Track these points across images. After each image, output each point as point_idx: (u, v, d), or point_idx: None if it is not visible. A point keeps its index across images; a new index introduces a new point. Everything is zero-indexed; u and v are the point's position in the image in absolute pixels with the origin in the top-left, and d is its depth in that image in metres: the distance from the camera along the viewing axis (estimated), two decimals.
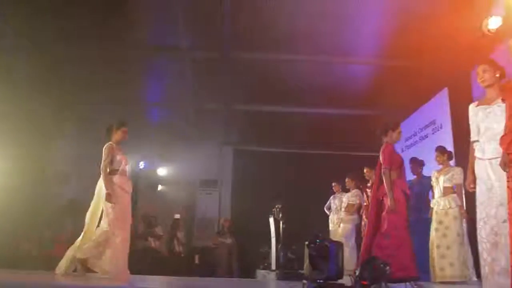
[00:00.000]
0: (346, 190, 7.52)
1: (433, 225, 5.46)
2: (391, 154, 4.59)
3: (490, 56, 5.07)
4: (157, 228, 9.59)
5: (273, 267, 7.64)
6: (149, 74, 8.51)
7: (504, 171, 2.84)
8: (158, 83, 8.84)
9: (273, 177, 9.92)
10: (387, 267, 3.33)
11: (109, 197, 4.70)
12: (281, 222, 7.57)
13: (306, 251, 3.57)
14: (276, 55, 7.56)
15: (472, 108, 3.53)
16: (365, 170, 6.90)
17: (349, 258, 6.94)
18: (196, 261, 9.69)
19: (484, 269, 3.14)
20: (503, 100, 3.04)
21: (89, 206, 4.85)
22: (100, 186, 4.86)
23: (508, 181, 2.76)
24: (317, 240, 3.42)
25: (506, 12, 5.55)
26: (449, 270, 5.22)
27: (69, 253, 4.74)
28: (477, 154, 3.34)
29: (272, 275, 7.28)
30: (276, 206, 7.71)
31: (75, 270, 4.72)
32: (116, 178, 4.86)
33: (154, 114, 10.37)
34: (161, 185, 11.10)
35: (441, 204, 5.46)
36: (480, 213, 3.22)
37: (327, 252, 3.40)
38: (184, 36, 7.14)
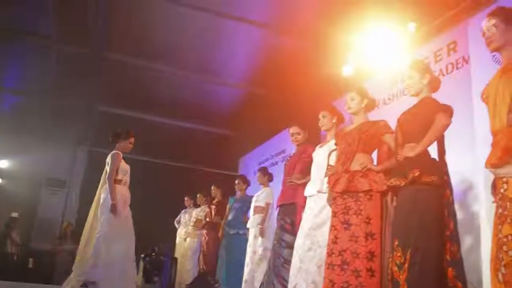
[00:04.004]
0: (197, 206, 7.68)
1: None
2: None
3: (339, 101, 5.65)
4: None
5: None
6: (7, 56, 7.81)
7: (330, 206, 3.22)
8: (15, 69, 8.15)
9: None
10: (217, 285, 3.51)
11: (114, 208, 4.44)
12: None
13: (141, 263, 3.61)
14: (148, 64, 7.52)
15: (315, 149, 3.98)
16: (212, 188, 7.09)
17: (192, 272, 7.09)
18: (30, 265, 8.98)
19: None
20: (336, 144, 3.44)
21: None
22: (101, 196, 4.61)
23: (333, 217, 3.12)
24: (153, 254, 3.47)
25: (356, 65, 6.23)
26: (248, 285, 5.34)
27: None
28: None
29: None
30: None
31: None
32: (119, 189, 4.63)
33: (4, 100, 9.48)
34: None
35: (250, 222, 5.66)
36: (295, 243, 3.62)
37: (161, 266, 3.46)
38: (54, 25, 6.73)
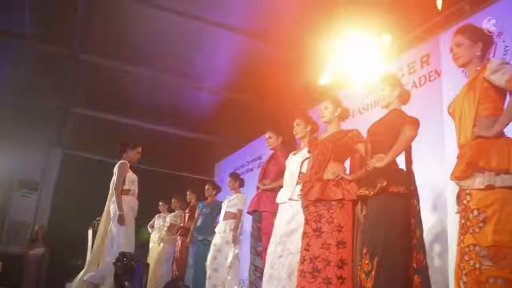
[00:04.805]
0: (171, 210, 7.64)
1: (211, 247, 5.61)
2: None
3: (316, 109, 5.72)
4: None
5: None
6: None
7: (303, 213, 3.27)
8: None
9: (103, 187, 9.52)
10: None
11: (121, 219, 4.45)
12: None
13: (113, 269, 3.59)
14: (126, 66, 7.46)
15: (289, 156, 4.03)
16: (188, 193, 7.07)
17: (165, 278, 7.04)
18: None
19: None
20: (309, 152, 3.50)
21: None
22: (110, 207, 4.64)
23: (305, 224, 3.16)
24: (124, 259, 3.46)
25: (333, 74, 6.32)
26: None
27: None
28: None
29: None
30: (98, 219, 7.43)
31: None
32: (127, 199, 4.64)
33: None
34: None
35: (219, 227, 5.63)
36: (268, 249, 3.65)
37: (132, 271, 3.45)
38: (30, 24, 6.62)
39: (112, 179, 4.89)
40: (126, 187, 4.81)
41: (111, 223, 4.68)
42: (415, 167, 2.86)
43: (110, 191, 4.89)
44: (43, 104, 8.64)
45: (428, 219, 3.97)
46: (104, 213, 4.89)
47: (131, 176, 4.90)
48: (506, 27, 3.97)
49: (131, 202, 4.82)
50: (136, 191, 4.96)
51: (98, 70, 7.55)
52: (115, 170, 4.84)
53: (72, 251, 8.13)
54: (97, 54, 7.19)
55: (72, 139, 9.95)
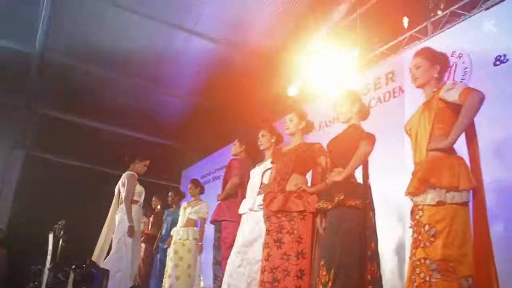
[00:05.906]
0: None
1: (169, 254, 5.47)
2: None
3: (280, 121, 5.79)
4: None
5: (43, 287, 7.15)
6: None
7: (265, 224, 3.30)
8: None
9: (66, 191, 9.34)
10: None
11: (131, 230, 4.50)
12: (61, 240, 7.15)
13: (72, 275, 3.55)
14: (94, 69, 7.40)
15: (255, 167, 4.07)
16: (153, 199, 6.97)
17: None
18: None
19: None
20: (272, 163, 3.55)
21: None
22: (116, 217, 4.64)
23: (267, 234, 3.19)
24: (84, 265, 3.42)
25: (302, 86, 6.42)
26: None
27: None
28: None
29: None
30: (59, 223, 7.28)
31: None
32: (136, 210, 4.69)
33: None
34: None
35: (180, 234, 5.49)
36: (229, 259, 3.67)
37: (92, 278, 3.42)
38: None
39: (117, 188, 4.97)
40: (135, 198, 4.91)
41: (116, 233, 4.75)
42: (377, 181, 2.95)
43: (113, 201, 4.98)
44: (6, 104, 8.43)
45: (388, 232, 4.08)
46: (107, 223, 4.94)
47: (138, 188, 4.98)
48: (466, 48, 4.15)
49: (138, 212, 4.94)
50: (142, 202, 5.09)
51: (64, 71, 7.46)
52: (124, 181, 4.90)
53: (33, 255, 7.90)
54: (63, 54, 7.10)
55: (36, 140, 9.71)
